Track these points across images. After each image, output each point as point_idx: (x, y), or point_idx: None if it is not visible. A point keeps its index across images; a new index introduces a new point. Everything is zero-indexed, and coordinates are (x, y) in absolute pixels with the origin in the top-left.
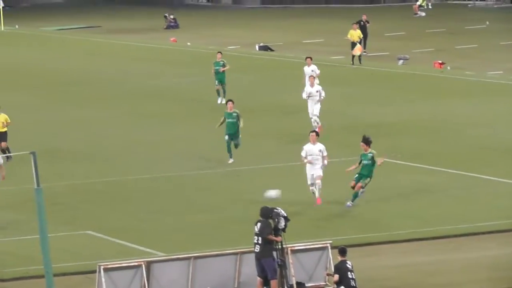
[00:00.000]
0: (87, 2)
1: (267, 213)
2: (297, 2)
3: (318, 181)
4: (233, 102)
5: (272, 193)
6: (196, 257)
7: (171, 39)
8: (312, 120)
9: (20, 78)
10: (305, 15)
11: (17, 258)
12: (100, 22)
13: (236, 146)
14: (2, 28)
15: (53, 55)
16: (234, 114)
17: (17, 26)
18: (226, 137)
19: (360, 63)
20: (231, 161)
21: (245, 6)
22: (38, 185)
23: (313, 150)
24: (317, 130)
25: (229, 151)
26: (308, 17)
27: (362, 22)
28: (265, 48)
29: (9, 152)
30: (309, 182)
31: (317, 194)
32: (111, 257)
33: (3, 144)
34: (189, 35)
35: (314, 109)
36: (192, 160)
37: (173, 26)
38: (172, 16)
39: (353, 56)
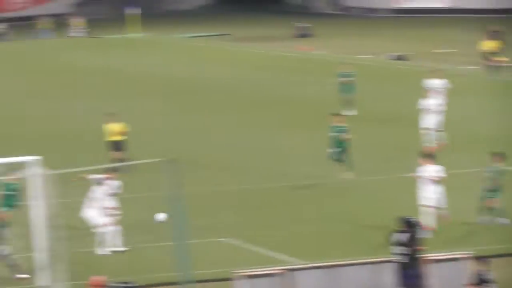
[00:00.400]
0: (220, 10)
1: (411, 223)
2: (428, 11)
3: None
4: (341, 115)
5: (160, 216)
6: (337, 266)
7: (302, 47)
8: (433, 134)
9: (150, 85)
10: (436, 24)
11: (153, 264)
12: (231, 29)
13: (339, 160)
14: (134, 35)
15: (183, 62)
16: (340, 127)
17: (148, 33)
18: (331, 150)
19: (496, 73)
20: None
21: (376, 15)
22: (177, 193)
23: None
24: (436, 147)
25: (340, 162)
26: (439, 26)
27: (495, 32)
28: (398, 57)
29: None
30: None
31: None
32: (249, 265)
33: (117, 154)
34: (320, 44)
35: (434, 122)
36: (322, 167)
37: (304, 34)
38: (303, 25)
39: (490, 65)
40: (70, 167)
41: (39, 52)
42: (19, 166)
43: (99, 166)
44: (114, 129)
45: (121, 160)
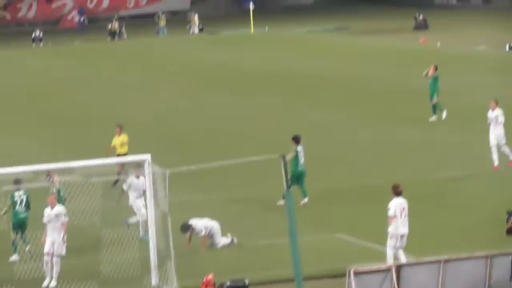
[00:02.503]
0: (336, 3)
1: None
2: None
3: None
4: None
5: (133, 219)
6: (446, 261)
7: (421, 39)
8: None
9: (270, 80)
10: None
11: (266, 261)
12: (349, 23)
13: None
14: (252, 30)
15: (303, 57)
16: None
17: (267, 28)
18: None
19: None
20: None
21: (495, 5)
22: (288, 188)
23: None
24: None
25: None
26: None
27: None
28: None
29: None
30: None
31: None
32: (361, 261)
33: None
34: (439, 36)
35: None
36: (444, 164)
37: (422, 26)
38: (421, 16)
39: None
40: (184, 165)
41: (157, 50)
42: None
43: (206, 165)
44: (119, 142)
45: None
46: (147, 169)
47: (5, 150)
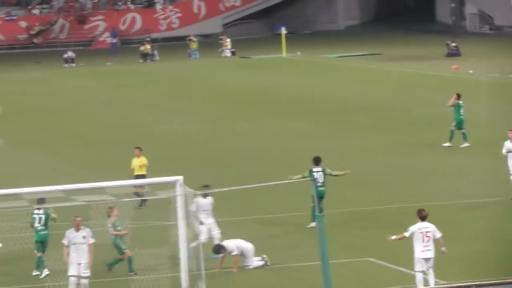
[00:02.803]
0: (368, 29)
1: None
2: None
3: None
4: None
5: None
6: (477, 286)
7: (453, 67)
8: None
9: (301, 105)
10: None
11: (298, 283)
12: (381, 49)
13: None
14: (284, 55)
15: (334, 82)
16: None
17: (299, 53)
18: None
19: None
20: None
21: None
22: (320, 211)
23: None
24: None
25: None
26: None
27: None
28: None
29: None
30: None
31: None
32: (392, 285)
33: (139, 189)
34: (471, 63)
35: None
36: (475, 189)
37: (454, 53)
38: (454, 44)
39: None
40: (216, 187)
41: (188, 72)
42: (165, 186)
43: (238, 187)
44: (137, 163)
45: (139, 195)
46: (179, 190)
47: (36, 170)
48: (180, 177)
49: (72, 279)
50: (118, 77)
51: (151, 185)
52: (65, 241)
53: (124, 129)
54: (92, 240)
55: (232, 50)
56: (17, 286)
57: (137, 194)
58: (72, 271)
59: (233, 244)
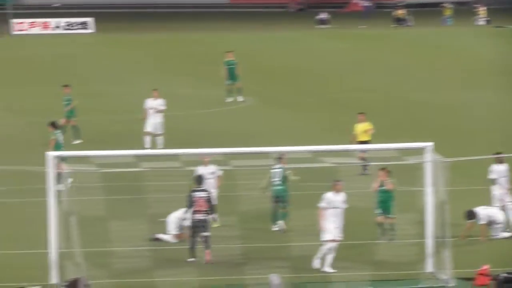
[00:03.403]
0: None
1: None
2: None
3: None
4: None
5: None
6: None
7: None
8: None
9: None
10: None
11: None
12: None
13: None
14: None
15: None
16: None
17: None
18: None
19: None
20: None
21: None
22: None
23: None
24: None
25: None
26: None
27: None
28: None
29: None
30: None
31: None
32: None
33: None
34: None
35: None
36: None
37: None
38: None
39: None
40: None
41: (441, 39)
42: (414, 152)
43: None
44: (361, 129)
45: (364, 159)
46: (429, 157)
47: (285, 129)
48: (430, 143)
49: (328, 243)
50: (371, 40)
51: (400, 150)
52: (323, 204)
53: (375, 93)
54: (344, 206)
55: (487, 19)
56: (260, 243)
57: (362, 159)
58: (328, 235)
59: (484, 212)
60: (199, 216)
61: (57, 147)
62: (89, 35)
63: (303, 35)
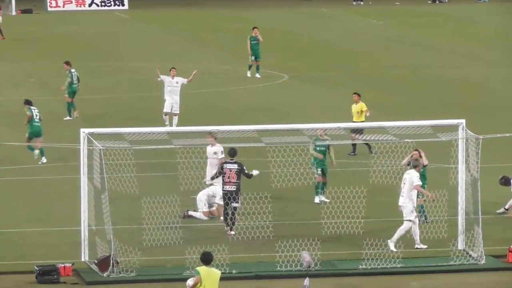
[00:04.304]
0: None
1: None
2: None
3: None
4: None
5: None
6: None
7: None
8: None
9: None
10: None
11: None
12: None
13: None
14: None
15: None
16: None
17: None
18: None
19: None
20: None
21: None
22: None
23: None
24: None
25: None
26: None
27: None
28: None
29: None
30: None
31: None
32: None
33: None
34: None
35: None
36: None
37: None
38: None
39: None
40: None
41: (477, 15)
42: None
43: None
44: (356, 110)
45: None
46: (461, 133)
47: (317, 106)
48: (463, 120)
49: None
50: (406, 17)
51: (434, 127)
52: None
53: (409, 70)
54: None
55: None
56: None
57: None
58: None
59: None
60: (228, 188)
61: (31, 123)
62: (123, 12)
63: (339, 11)
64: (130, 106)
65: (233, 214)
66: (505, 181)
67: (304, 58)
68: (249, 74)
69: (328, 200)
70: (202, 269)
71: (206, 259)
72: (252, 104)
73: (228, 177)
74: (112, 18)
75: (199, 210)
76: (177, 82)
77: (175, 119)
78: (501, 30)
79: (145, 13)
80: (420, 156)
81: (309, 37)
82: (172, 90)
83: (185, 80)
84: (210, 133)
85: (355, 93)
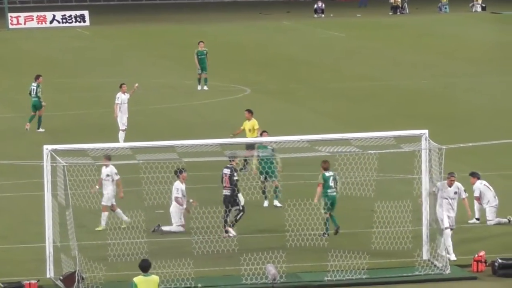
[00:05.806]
0: None
1: None
2: None
3: None
4: None
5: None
6: None
7: None
8: None
9: None
10: None
11: None
12: None
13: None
14: None
15: None
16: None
17: None
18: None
19: None
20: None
21: None
22: None
23: None
24: None
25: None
26: None
27: None
28: None
29: None
30: None
31: None
32: None
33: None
34: None
35: None
36: None
37: None
38: None
39: None
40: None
41: (437, 26)
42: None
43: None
44: (248, 127)
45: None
46: (424, 144)
47: (280, 119)
48: (425, 131)
49: (447, 231)
50: (367, 29)
51: (397, 138)
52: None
53: (370, 81)
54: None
55: (483, 5)
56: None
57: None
58: (446, 222)
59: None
60: (225, 192)
61: None
62: (85, 28)
63: (300, 24)
64: (92, 122)
65: (236, 215)
66: (472, 173)
67: (266, 71)
68: (199, 87)
69: (281, 205)
70: (138, 279)
71: (143, 266)
72: (214, 118)
73: (224, 182)
74: (74, 35)
75: (174, 224)
76: (128, 98)
77: (122, 134)
78: (461, 40)
79: (106, 30)
80: None
81: (271, 50)
82: (125, 106)
83: (128, 95)
84: (104, 155)
85: (247, 110)
